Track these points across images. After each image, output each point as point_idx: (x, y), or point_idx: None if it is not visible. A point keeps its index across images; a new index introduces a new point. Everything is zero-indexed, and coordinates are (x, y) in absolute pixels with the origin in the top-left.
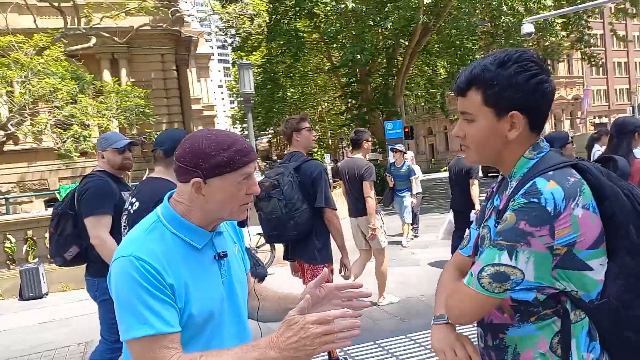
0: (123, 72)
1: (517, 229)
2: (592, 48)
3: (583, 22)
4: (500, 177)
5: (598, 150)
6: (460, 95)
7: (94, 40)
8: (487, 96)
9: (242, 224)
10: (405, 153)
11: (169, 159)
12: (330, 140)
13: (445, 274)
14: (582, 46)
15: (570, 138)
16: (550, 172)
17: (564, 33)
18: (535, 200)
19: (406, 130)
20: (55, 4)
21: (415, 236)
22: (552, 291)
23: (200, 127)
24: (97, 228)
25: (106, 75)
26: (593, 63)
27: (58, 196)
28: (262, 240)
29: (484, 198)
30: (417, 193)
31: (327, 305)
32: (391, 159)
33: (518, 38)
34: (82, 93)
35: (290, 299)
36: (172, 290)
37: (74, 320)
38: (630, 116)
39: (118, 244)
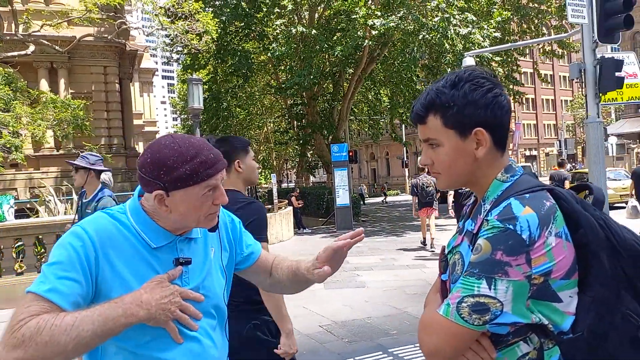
0: (62, 82)
1: (494, 260)
2: (520, 87)
3: (512, 60)
4: (473, 199)
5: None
6: (420, 122)
7: (32, 47)
8: (446, 118)
9: (213, 229)
10: (100, 172)
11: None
12: (275, 162)
13: (429, 296)
14: (511, 83)
15: None
16: (527, 195)
17: (500, 70)
18: (511, 227)
19: (350, 154)
20: None
21: None
22: (524, 324)
23: (140, 143)
24: None
25: (43, 84)
26: (518, 100)
27: None
28: None
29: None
30: None
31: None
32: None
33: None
34: (15, 100)
35: (301, 268)
36: (95, 274)
37: None
38: None
39: None
